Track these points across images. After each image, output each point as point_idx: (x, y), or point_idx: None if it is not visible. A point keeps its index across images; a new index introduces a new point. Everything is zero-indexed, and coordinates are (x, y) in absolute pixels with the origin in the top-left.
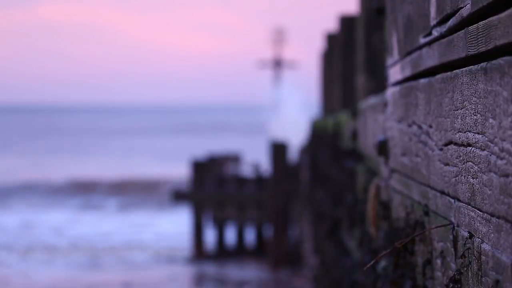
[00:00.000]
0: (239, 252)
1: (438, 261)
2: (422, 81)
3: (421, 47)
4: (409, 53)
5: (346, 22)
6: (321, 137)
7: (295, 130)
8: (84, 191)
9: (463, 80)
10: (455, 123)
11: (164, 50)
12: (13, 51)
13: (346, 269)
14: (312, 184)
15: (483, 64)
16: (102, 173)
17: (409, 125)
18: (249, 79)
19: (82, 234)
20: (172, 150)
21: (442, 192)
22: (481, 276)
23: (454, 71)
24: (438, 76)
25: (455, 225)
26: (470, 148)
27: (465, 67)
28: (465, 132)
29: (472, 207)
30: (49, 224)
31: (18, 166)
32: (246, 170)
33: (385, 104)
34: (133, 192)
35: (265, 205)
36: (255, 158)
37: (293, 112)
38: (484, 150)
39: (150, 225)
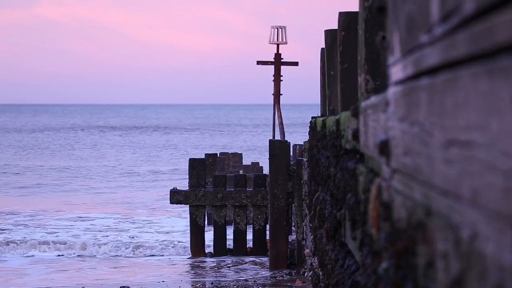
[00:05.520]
0: (239, 253)
1: (440, 263)
2: (424, 80)
3: (423, 45)
4: (411, 52)
5: (348, 20)
6: (321, 136)
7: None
8: None
9: (466, 79)
10: (457, 123)
11: (163, 49)
12: (12, 50)
13: (347, 271)
14: (312, 184)
15: (487, 63)
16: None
17: (411, 125)
18: (250, 77)
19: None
20: (172, 148)
21: (445, 193)
22: (484, 278)
23: (457, 70)
24: (441, 75)
25: (458, 226)
26: (473, 148)
27: (468, 66)
28: (467, 132)
29: (475, 207)
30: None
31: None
32: (246, 169)
33: (386, 104)
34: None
35: (265, 205)
36: (255, 157)
37: None
38: (487, 150)
39: (150, 224)
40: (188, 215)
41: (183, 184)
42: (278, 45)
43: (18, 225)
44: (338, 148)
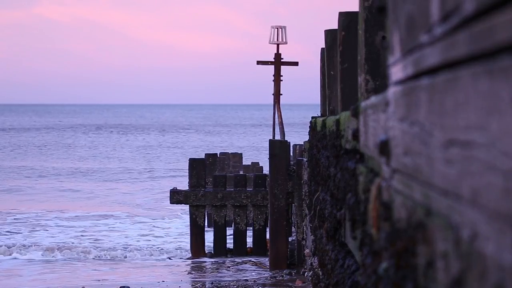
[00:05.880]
0: (239, 253)
1: (440, 263)
2: (424, 80)
3: (423, 45)
4: (411, 52)
5: (348, 20)
6: (321, 136)
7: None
8: None
9: (466, 79)
10: (457, 123)
11: (163, 49)
12: (12, 50)
13: (347, 271)
14: (312, 184)
15: (487, 63)
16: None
17: (411, 125)
18: (250, 77)
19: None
20: (171, 148)
21: (445, 193)
22: (484, 278)
23: (457, 70)
24: (441, 75)
25: (458, 226)
26: (473, 148)
27: (468, 66)
28: (467, 132)
29: (475, 207)
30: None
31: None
32: (246, 169)
33: (386, 104)
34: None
35: (265, 205)
36: (256, 157)
37: None
38: (487, 150)
39: (149, 224)
40: (188, 215)
41: (182, 184)
42: (278, 45)
43: (13, 226)
44: (338, 148)
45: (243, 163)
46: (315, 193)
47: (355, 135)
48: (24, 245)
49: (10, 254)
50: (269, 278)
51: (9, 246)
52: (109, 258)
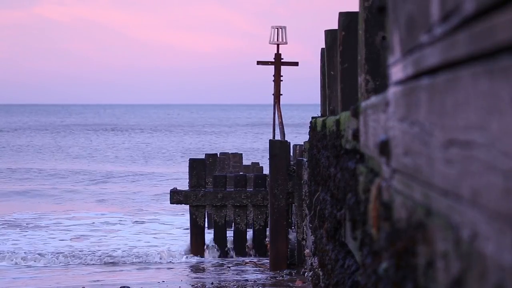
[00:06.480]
0: (239, 253)
1: (440, 263)
2: (424, 80)
3: (423, 45)
4: (411, 52)
5: (348, 20)
6: (321, 136)
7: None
8: None
9: (466, 79)
10: (457, 123)
11: (163, 49)
12: (12, 50)
13: (347, 271)
14: (312, 184)
15: (487, 63)
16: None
17: (411, 125)
18: (250, 77)
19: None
20: (172, 147)
21: (445, 193)
22: (484, 278)
23: (457, 70)
24: (441, 75)
25: (458, 226)
26: (473, 148)
27: (468, 66)
28: (468, 132)
29: (475, 207)
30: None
31: None
32: (246, 169)
33: (386, 104)
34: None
35: (265, 205)
36: (256, 157)
37: None
38: (487, 150)
39: (149, 224)
40: (188, 215)
41: (182, 184)
42: (278, 45)
43: (11, 227)
44: (338, 148)
45: (243, 163)
46: (315, 193)
47: (355, 135)
48: (21, 248)
49: (12, 260)
50: (269, 278)
51: (7, 249)
52: (108, 258)
